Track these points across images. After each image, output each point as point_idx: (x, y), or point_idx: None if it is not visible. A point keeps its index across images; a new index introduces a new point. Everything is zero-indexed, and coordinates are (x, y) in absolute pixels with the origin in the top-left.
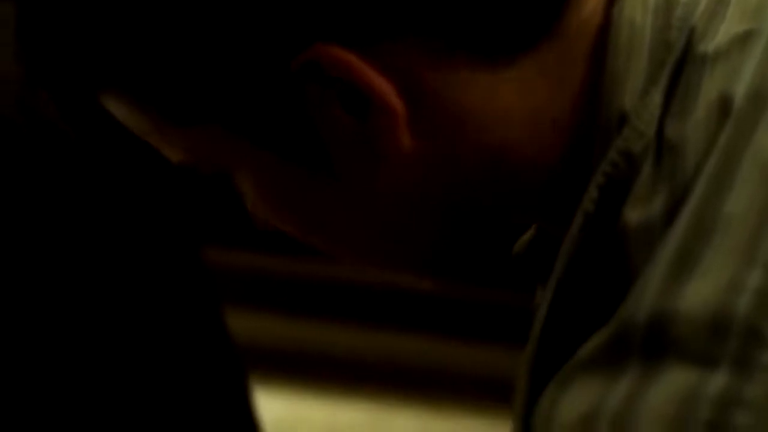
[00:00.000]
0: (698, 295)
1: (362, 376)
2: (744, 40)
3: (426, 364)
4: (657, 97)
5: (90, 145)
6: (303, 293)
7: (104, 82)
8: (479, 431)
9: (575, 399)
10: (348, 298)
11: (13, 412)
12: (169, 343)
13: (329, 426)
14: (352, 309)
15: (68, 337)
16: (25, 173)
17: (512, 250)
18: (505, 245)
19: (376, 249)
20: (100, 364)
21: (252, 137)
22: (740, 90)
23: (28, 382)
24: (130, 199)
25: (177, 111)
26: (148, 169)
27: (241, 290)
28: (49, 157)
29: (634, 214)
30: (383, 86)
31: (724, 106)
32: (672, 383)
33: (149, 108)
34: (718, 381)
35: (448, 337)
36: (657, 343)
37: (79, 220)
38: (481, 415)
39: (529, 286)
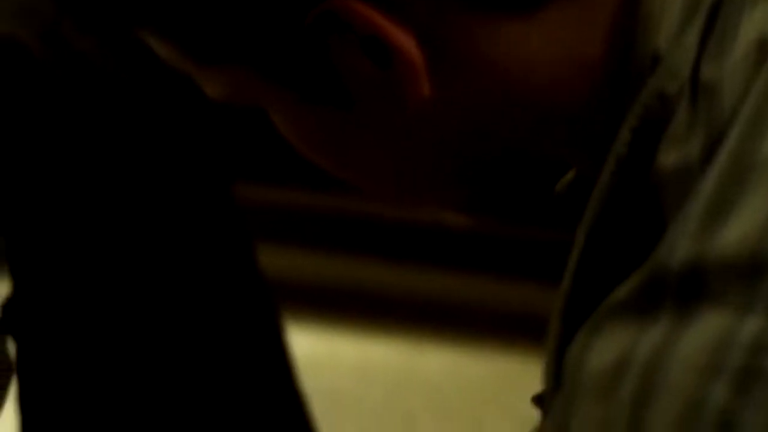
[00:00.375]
0: (734, 238)
1: (395, 313)
2: None
3: (460, 302)
4: (692, 38)
5: (122, 79)
6: (336, 229)
7: (139, 19)
8: (514, 369)
9: (606, 346)
10: (382, 234)
11: None
12: (199, 279)
13: (360, 363)
14: (385, 245)
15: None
16: (54, 107)
17: (554, 190)
18: (547, 185)
19: (408, 188)
20: (129, 300)
21: (278, 79)
22: None
23: None
24: (160, 136)
25: (209, 50)
26: (178, 106)
27: (273, 226)
28: (80, 90)
29: (668, 157)
30: (402, 38)
31: (762, 48)
32: (705, 330)
33: (182, 46)
34: (752, 325)
35: (484, 274)
36: (691, 289)
37: (107, 155)
38: (516, 353)
39: (571, 226)
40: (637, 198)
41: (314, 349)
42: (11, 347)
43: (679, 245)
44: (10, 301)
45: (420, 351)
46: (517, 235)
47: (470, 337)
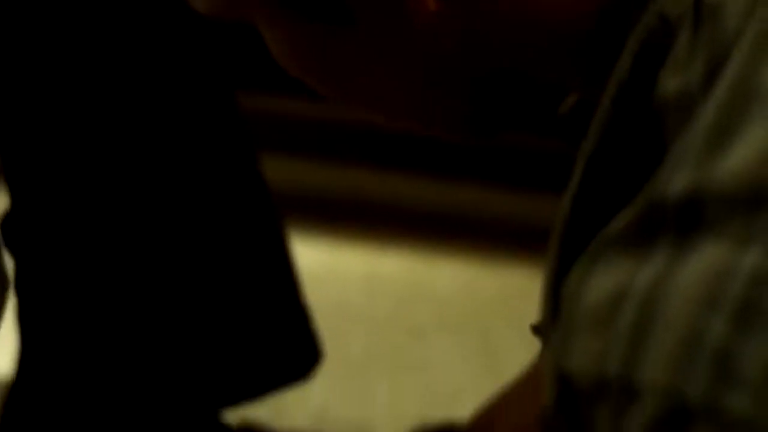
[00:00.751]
0: (733, 168)
1: (404, 225)
2: None
3: (470, 214)
4: None
5: None
6: (345, 139)
7: None
8: (523, 282)
9: (603, 278)
10: (393, 144)
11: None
12: (202, 191)
13: (369, 276)
14: (395, 156)
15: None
16: (51, 13)
17: (557, 110)
18: (549, 107)
19: (410, 110)
20: (129, 213)
21: None
22: None
23: None
24: (163, 47)
25: None
26: (179, 17)
27: (279, 136)
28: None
29: (670, 82)
30: None
31: None
32: (704, 262)
33: None
34: (752, 257)
35: (496, 186)
36: (689, 220)
37: (106, 64)
38: (526, 266)
39: (574, 147)
40: (638, 125)
41: (322, 262)
42: (9, 263)
43: (678, 175)
44: (8, 216)
45: (429, 264)
46: (530, 146)
47: (480, 250)
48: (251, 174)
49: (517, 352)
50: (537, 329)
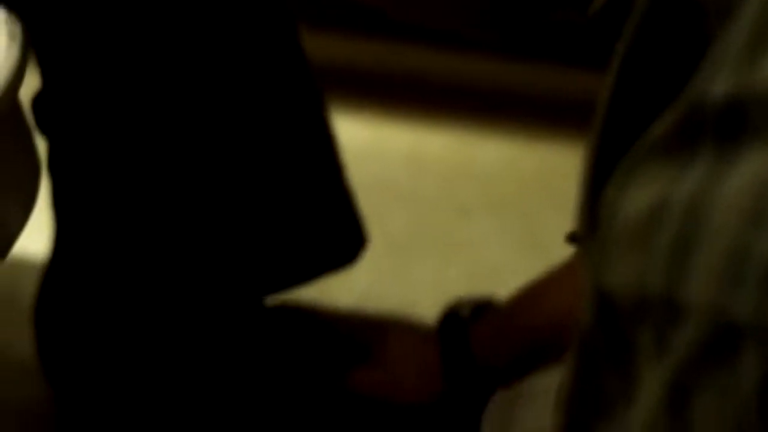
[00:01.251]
0: None
1: (450, 102)
2: None
3: (517, 91)
4: None
5: None
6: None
7: None
8: (569, 161)
9: (641, 190)
10: None
11: None
12: (242, 65)
13: (413, 153)
14: (442, 32)
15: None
16: None
17: (586, 14)
18: (579, 8)
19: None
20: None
21: None
22: None
23: None
24: None
25: None
26: None
27: (321, 11)
28: None
29: None
30: None
31: None
32: (749, 170)
33: None
34: None
35: (542, 62)
36: (733, 124)
37: None
38: (572, 145)
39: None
40: (678, 20)
41: (366, 139)
42: (41, 143)
43: (719, 77)
44: (39, 95)
45: (477, 140)
46: (576, 21)
47: (526, 128)
48: (292, 49)
49: (559, 231)
50: (571, 238)
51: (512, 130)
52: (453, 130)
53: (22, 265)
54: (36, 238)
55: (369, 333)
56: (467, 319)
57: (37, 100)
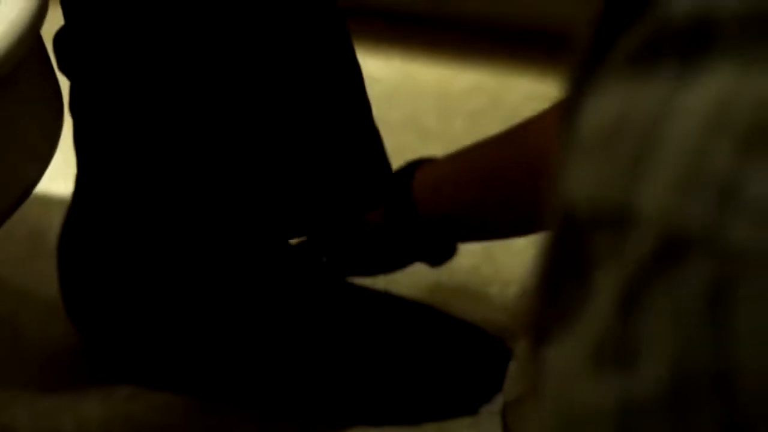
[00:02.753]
0: None
1: (479, 38)
2: None
3: (548, 26)
4: None
5: None
6: None
7: None
8: None
9: (607, 100)
10: None
11: None
12: (269, 4)
13: (443, 89)
14: None
15: None
16: None
17: None
18: None
19: None
20: (186, 28)
21: None
22: None
23: None
24: None
25: None
26: None
27: None
28: None
29: None
30: None
31: None
32: (711, 85)
33: None
34: (761, 82)
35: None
36: (697, 41)
37: None
38: None
39: None
40: None
41: (394, 78)
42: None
43: None
44: (61, 34)
45: (504, 79)
46: None
47: (555, 66)
48: None
49: None
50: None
51: (542, 67)
52: (482, 68)
53: (47, 204)
54: (60, 178)
55: None
56: (413, 165)
57: (59, 39)
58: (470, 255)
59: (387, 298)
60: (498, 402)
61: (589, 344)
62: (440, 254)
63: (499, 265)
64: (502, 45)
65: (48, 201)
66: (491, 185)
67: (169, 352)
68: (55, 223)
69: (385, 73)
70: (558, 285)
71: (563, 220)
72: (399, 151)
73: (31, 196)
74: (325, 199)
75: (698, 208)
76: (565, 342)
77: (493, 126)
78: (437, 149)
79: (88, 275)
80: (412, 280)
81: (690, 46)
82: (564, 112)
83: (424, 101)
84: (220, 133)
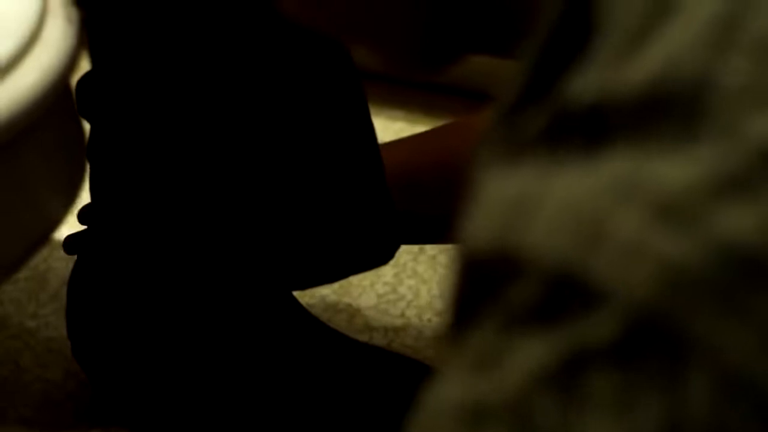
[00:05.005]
0: (643, 70)
1: (480, 103)
2: None
3: None
4: None
5: None
6: None
7: None
8: None
9: (510, 180)
10: None
11: None
12: (287, 63)
13: None
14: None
15: None
16: None
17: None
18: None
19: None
20: (206, 73)
21: None
22: None
23: None
24: None
25: None
26: None
27: None
28: None
29: None
30: None
31: None
32: (612, 168)
33: None
34: (657, 168)
35: None
36: (595, 129)
37: None
38: None
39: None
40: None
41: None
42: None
43: (587, 76)
44: (86, 78)
45: None
46: None
47: None
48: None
49: None
50: None
51: None
52: None
53: (49, 247)
54: (69, 222)
55: None
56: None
57: (83, 83)
58: None
59: (388, 356)
60: None
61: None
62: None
63: None
64: None
65: (49, 244)
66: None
67: (170, 401)
68: (55, 266)
69: (389, 135)
70: (458, 324)
71: (463, 266)
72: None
73: None
74: (334, 256)
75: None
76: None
77: None
78: None
79: (97, 321)
80: (366, 285)
81: (591, 130)
82: (471, 170)
83: None
84: (238, 187)
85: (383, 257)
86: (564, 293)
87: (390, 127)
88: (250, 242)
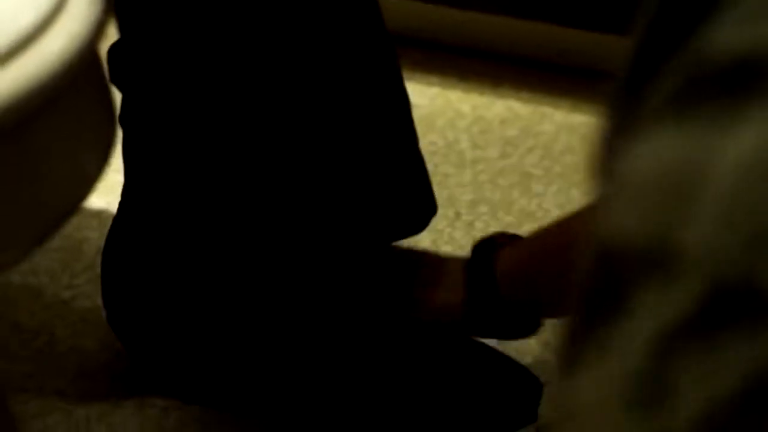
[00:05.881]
0: None
1: (515, 68)
2: None
3: (582, 60)
4: None
5: None
6: None
7: None
8: None
9: (647, 148)
10: None
11: None
12: (321, 29)
13: (478, 117)
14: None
15: None
16: None
17: None
18: None
19: None
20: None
21: None
22: None
23: None
24: None
25: None
26: None
27: None
28: None
29: None
30: None
31: None
32: (754, 131)
33: None
34: None
35: (611, 32)
36: (740, 81)
37: None
38: None
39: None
40: None
41: (430, 105)
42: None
43: (732, 29)
44: (116, 47)
45: (540, 109)
46: None
47: (591, 98)
48: (370, 9)
49: None
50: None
51: (577, 99)
52: (517, 98)
53: (83, 217)
54: (102, 192)
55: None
56: (495, 245)
57: (113, 52)
58: None
59: (417, 325)
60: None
61: (620, 380)
62: (522, 331)
63: None
64: (538, 76)
65: (83, 214)
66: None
67: (204, 365)
68: (89, 235)
69: (424, 100)
70: (592, 315)
71: (602, 255)
72: (433, 176)
73: None
74: (370, 223)
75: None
76: (595, 374)
77: (526, 155)
78: (471, 175)
79: (131, 286)
80: None
81: (732, 86)
82: (600, 152)
83: (460, 128)
84: (271, 152)
85: (419, 224)
86: (731, 301)
87: (425, 93)
88: (283, 209)
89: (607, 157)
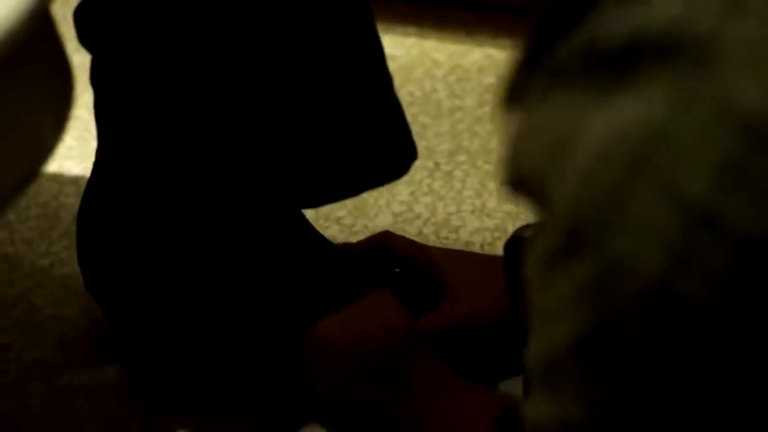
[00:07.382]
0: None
1: (491, 15)
2: None
3: None
4: None
5: None
6: None
7: None
8: None
9: (550, 111)
10: None
11: None
12: None
13: (456, 66)
14: None
15: None
16: None
17: None
18: None
19: None
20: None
21: None
22: None
23: None
24: None
25: None
26: None
27: None
28: None
29: None
30: None
31: None
32: (628, 106)
33: None
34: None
35: None
36: (624, 62)
37: None
38: None
39: None
40: None
41: (406, 55)
42: (84, 56)
43: (619, 12)
44: (81, 7)
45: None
46: None
47: None
48: None
49: None
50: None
51: None
52: (493, 45)
53: (60, 184)
54: (73, 158)
55: (437, 265)
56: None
57: (80, 13)
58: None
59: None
60: (516, 382)
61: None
62: (395, 167)
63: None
64: (515, 21)
65: (60, 181)
66: None
67: (187, 330)
68: (66, 202)
69: (400, 51)
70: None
71: (516, 180)
72: (411, 126)
73: (43, 176)
74: (348, 169)
75: (592, 214)
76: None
77: None
78: (449, 125)
79: (105, 248)
80: (383, 204)
81: (616, 64)
82: (502, 99)
83: (437, 77)
84: (242, 105)
85: (398, 170)
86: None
87: (402, 43)
88: (260, 159)
89: (513, 105)
